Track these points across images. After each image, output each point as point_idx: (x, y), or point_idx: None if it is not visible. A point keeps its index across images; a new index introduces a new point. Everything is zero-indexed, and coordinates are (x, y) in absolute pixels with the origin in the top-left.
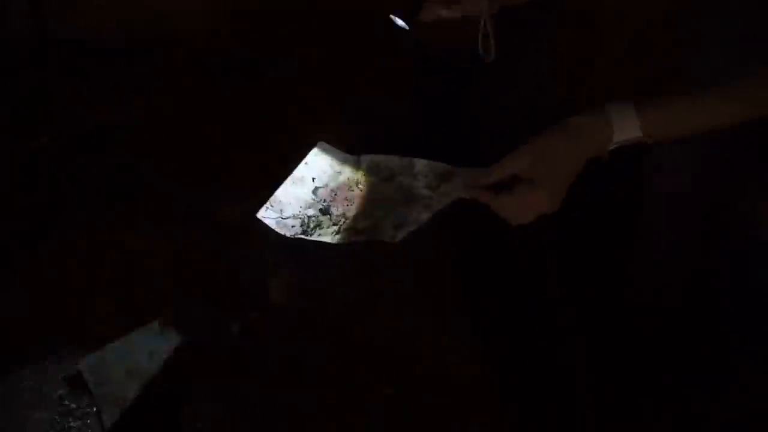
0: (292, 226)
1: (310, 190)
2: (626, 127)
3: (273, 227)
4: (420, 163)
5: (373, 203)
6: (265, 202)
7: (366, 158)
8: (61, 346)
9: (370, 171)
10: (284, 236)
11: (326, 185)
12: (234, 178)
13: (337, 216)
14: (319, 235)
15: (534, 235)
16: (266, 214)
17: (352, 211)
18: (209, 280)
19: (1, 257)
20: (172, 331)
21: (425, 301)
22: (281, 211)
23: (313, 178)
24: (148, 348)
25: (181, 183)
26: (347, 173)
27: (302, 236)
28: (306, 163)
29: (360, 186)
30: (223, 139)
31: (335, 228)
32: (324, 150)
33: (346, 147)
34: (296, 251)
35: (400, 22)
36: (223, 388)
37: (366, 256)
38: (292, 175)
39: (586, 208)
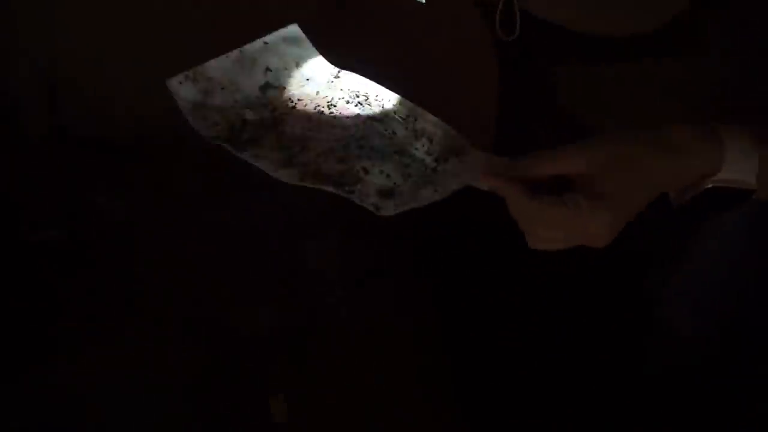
0: (215, 124)
1: (257, 83)
2: (739, 166)
3: (185, 111)
4: (426, 118)
5: (348, 142)
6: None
7: (350, 77)
8: None
9: (353, 97)
10: (200, 133)
11: (283, 87)
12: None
13: (289, 138)
14: (255, 155)
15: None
16: (183, 88)
17: (313, 140)
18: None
19: None
20: None
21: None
22: (206, 91)
23: (268, 69)
24: None
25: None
26: (318, 85)
27: (226, 144)
28: (265, 44)
29: (333, 110)
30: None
31: (282, 155)
32: (298, 39)
33: (334, 54)
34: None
35: None
36: None
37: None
38: (242, 48)
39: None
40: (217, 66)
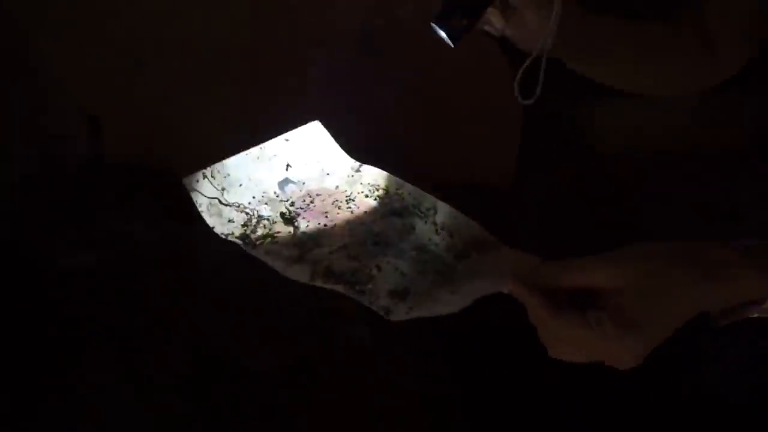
0: (229, 221)
1: (277, 179)
2: None
3: (200, 207)
4: (446, 211)
5: (364, 238)
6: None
7: (371, 171)
8: None
9: (373, 192)
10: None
11: (302, 183)
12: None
13: (303, 234)
14: (267, 252)
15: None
16: (201, 185)
17: (328, 237)
18: None
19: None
20: None
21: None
22: (223, 188)
23: (288, 165)
24: None
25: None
26: (338, 180)
27: (238, 241)
28: (287, 141)
29: (351, 206)
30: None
31: (294, 251)
32: (317, 134)
33: (352, 146)
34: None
35: (442, 34)
36: None
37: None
38: (262, 145)
39: None
40: (236, 163)
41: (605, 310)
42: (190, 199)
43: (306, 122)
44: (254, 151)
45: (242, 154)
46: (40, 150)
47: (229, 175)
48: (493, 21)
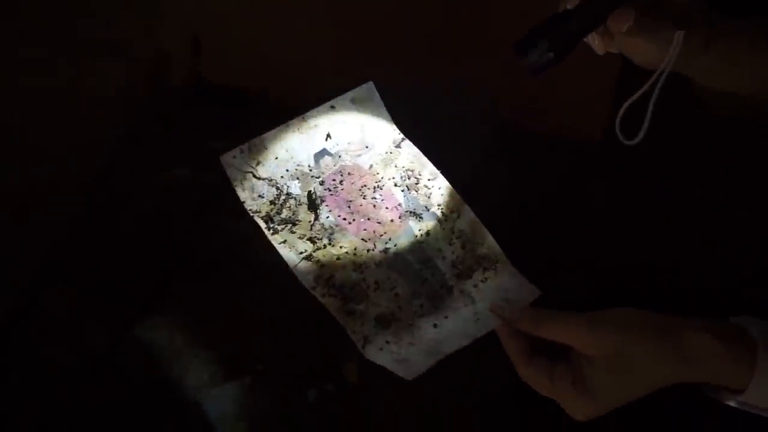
0: (259, 196)
1: (314, 151)
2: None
3: (234, 181)
4: (469, 218)
5: (374, 243)
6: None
7: (410, 151)
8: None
9: (403, 180)
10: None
11: (338, 156)
12: None
13: (320, 226)
14: (283, 241)
15: None
16: (236, 161)
17: (342, 234)
18: (297, 352)
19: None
20: (260, 388)
21: None
22: (258, 162)
23: (328, 135)
24: (237, 399)
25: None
26: (375, 156)
27: (262, 222)
28: (332, 107)
29: (376, 196)
30: None
31: (307, 246)
32: (368, 99)
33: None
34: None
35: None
36: None
37: None
38: (305, 114)
39: None
40: (275, 136)
41: (572, 367)
42: (280, 122)
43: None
44: (296, 121)
45: (283, 125)
46: (149, 64)
47: (266, 148)
48: (594, 46)
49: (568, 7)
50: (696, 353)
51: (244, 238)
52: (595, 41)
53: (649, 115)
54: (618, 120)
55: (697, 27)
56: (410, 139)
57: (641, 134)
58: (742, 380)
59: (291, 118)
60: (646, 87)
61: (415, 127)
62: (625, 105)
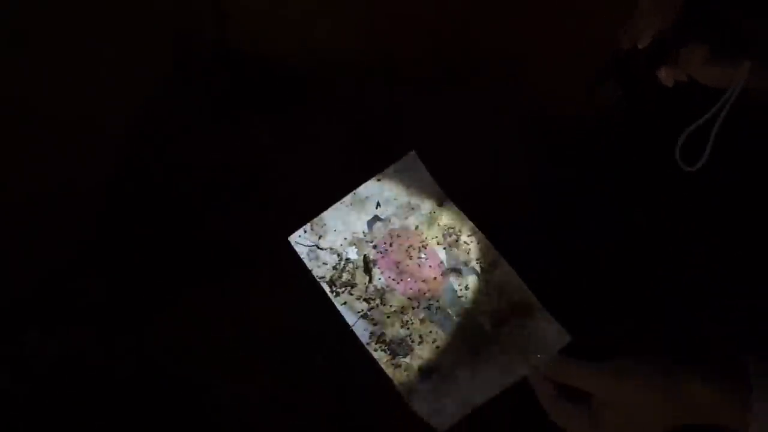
0: (323, 263)
1: (366, 219)
2: None
3: (302, 255)
4: (505, 270)
5: (419, 301)
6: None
7: (451, 210)
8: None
9: (445, 238)
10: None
11: (388, 220)
12: None
13: (374, 288)
14: (344, 302)
15: None
16: (302, 239)
17: (392, 294)
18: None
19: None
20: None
21: None
22: (320, 237)
23: (378, 203)
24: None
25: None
26: (420, 217)
27: (326, 286)
28: (378, 180)
29: (422, 256)
30: None
31: (363, 305)
32: (411, 168)
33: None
34: None
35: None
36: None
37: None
38: (356, 190)
39: None
40: (332, 213)
41: (592, 411)
42: (306, 96)
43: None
44: (348, 197)
45: (338, 203)
46: (174, 38)
47: (325, 224)
48: (662, 78)
49: (639, 46)
50: (695, 403)
51: (268, 228)
52: (663, 74)
53: (711, 140)
54: (678, 147)
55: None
56: (452, 199)
57: (702, 161)
58: (742, 423)
59: (317, 90)
60: (710, 114)
61: (456, 187)
62: (688, 130)
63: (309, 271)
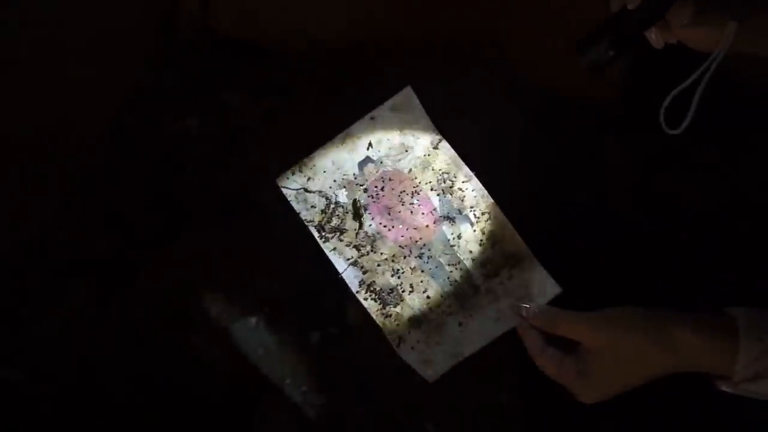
0: (312, 207)
1: (358, 160)
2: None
3: (290, 198)
4: (500, 220)
5: (410, 249)
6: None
7: (447, 153)
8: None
9: (439, 184)
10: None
11: (380, 162)
12: None
13: (364, 234)
14: (333, 248)
15: None
16: (290, 181)
17: (382, 243)
18: (299, 294)
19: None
20: (264, 330)
21: None
22: (309, 177)
23: (370, 144)
24: (244, 339)
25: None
26: (414, 159)
27: (314, 230)
28: (372, 118)
29: (414, 202)
30: None
31: (353, 252)
32: (407, 105)
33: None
34: None
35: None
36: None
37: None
38: (348, 128)
39: None
40: (323, 152)
41: (579, 359)
42: (289, 76)
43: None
44: (340, 136)
45: (329, 142)
46: (159, 21)
47: (315, 165)
48: (652, 41)
49: (629, 7)
50: (682, 348)
51: (253, 188)
52: (653, 35)
53: (694, 104)
54: (662, 110)
55: (754, 12)
56: (448, 140)
57: (685, 123)
58: (727, 369)
59: (303, 71)
60: (695, 75)
61: (453, 127)
62: (673, 92)
63: (297, 215)
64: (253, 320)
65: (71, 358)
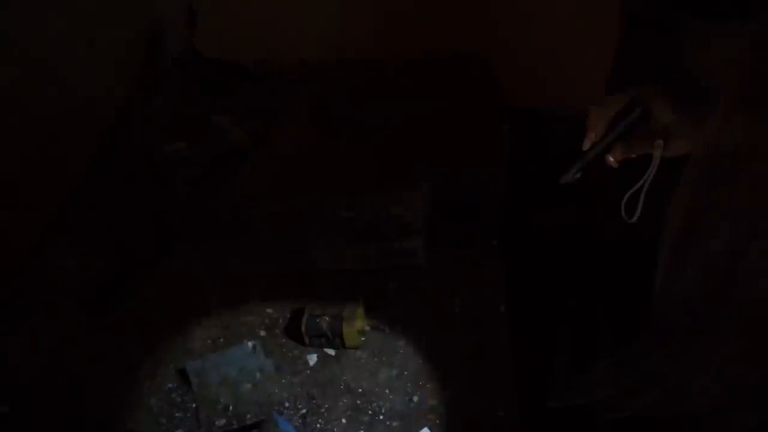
0: None
1: None
2: None
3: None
4: None
5: None
6: None
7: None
8: (175, 350)
9: None
10: None
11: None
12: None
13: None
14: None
15: None
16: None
17: None
18: (294, 317)
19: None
20: (261, 354)
21: None
22: None
23: None
24: (239, 364)
25: (277, 227)
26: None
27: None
28: None
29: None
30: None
31: None
32: None
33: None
34: None
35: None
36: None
37: None
38: None
39: None
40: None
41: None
42: (277, 98)
43: None
44: None
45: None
46: (146, 39)
47: None
48: (609, 162)
49: (584, 148)
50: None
51: (245, 207)
52: (609, 159)
53: (642, 198)
54: (623, 204)
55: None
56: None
57: (637, 213)
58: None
59: (291, 93)
60: (642, 181)
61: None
62: (628, 194)
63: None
64: (249, 344)
65: (60, 388)
